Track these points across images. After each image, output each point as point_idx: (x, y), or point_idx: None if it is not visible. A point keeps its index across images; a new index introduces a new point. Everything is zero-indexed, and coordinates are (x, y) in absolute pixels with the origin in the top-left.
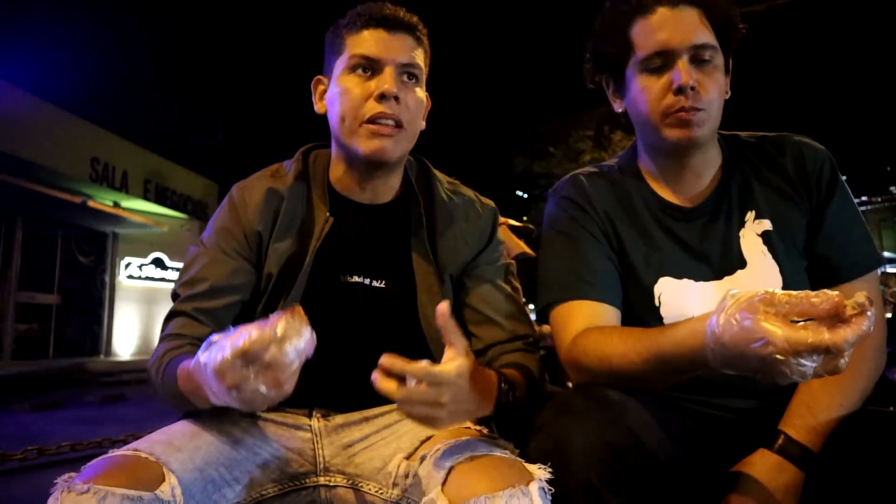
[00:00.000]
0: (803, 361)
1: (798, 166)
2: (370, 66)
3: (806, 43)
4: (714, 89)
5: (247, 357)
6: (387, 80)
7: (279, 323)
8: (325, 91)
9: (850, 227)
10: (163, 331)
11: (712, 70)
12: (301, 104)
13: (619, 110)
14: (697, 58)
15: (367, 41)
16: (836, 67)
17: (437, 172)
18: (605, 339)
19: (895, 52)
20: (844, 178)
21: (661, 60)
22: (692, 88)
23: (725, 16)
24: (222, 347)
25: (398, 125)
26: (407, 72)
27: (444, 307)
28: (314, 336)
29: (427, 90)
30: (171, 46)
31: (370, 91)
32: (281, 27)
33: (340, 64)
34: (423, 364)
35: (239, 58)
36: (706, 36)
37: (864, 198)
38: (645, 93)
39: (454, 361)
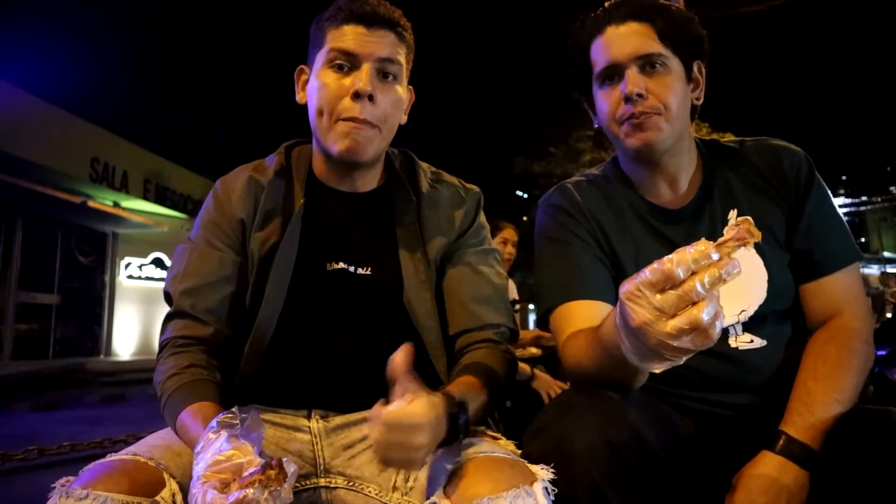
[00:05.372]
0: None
1: (775, 168)
2: (348, 62)
3: (806, 43)
4: (667, 94)
5: None
6: (362, 79)
7: (253, 490)
8: (307, 81)
9: (829, 223)
10: (162, 333)
11: (664, 76)
12: (301, 104)
13: (596, 126)
14: (646, 66)
15: (346, 36)
16: (836, 67)
17: (420, 162)
18: (577, 340)
19: (895, 51)
20: (844, 178)
21: (613, 73)
22: (639, 95)
23: (673, 27)
24: (204, 492)
25: (372, 125)
26: (385, 69)
27: (398, 357)
28: (292, 487)
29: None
30: (171, 47)
31: (345, 88)
32: (281, 27)
33: (320, 57)
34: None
35: (239, 58)
36: (652, 46)
37: (864, 198)
38: (604, 105)
39: (420, 400)
